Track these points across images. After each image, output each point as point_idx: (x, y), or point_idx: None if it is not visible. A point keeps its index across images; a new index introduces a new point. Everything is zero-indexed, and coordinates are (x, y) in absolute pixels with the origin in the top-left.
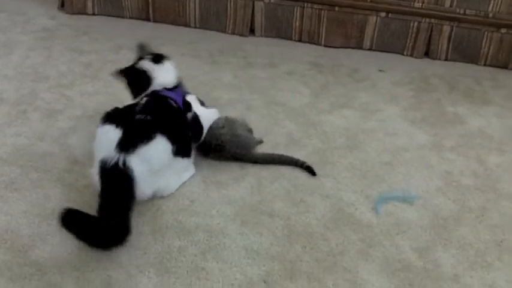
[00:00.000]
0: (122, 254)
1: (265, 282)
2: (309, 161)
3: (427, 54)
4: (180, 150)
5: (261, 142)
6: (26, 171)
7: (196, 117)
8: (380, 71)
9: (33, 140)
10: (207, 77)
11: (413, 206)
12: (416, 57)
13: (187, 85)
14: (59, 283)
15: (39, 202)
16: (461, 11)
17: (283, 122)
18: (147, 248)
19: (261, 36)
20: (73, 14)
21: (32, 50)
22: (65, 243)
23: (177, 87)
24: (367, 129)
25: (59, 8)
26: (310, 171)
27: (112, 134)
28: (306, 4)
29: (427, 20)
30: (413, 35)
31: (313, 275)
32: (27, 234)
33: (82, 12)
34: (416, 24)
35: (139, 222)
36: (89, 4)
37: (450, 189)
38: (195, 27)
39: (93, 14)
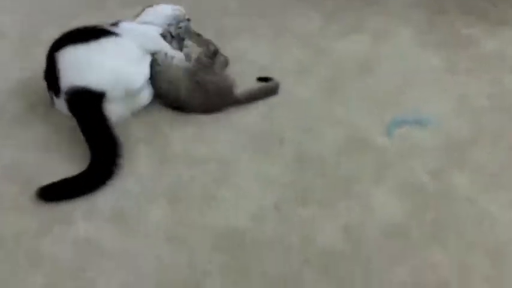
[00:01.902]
0: (133, 184)
1: (276, 209)
2: (320, 87)
3: None
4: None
5: (226, 64)
6: (33, 105)
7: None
8: None
9: (39, 73)
10: (212, 4)
11: (428, 129)
12: None
13: (193, 13)
14: (68, 214)
15: (46, 134)
16: None
17: (293, 48)
18: (158, 178)
19: None
20: None
21: None
22: (74, 173)
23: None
24: (379, 54)
25: None
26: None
27: None
28: None
29: None
30: None
31: (325, 201)
32: (34, 166)
33: None
34: None
35: (148, 151)
36: None
37: (465, 111)
38: None
39: None
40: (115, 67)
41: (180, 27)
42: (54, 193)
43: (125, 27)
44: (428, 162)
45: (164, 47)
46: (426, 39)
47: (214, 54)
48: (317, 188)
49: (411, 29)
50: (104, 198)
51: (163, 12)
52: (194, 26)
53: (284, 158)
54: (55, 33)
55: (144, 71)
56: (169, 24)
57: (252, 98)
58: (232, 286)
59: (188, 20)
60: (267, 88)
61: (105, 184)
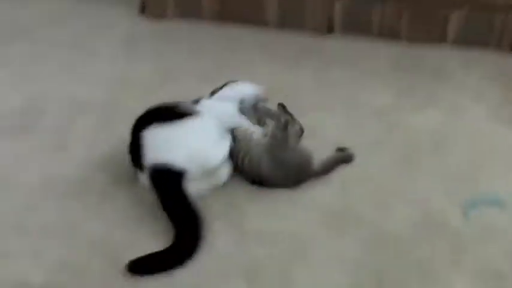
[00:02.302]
0: (209, 262)
1: None
2: (394, 163)
3: None
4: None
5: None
6: (117, 179)
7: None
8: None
9: (123, 146)
10: (286, 79)
11: (504, 210)
12: (502, 53)
13: (267, 89)
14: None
15: (131, 208)
16: None
17: (366, 123)
18: (234, 255)
19: (341, 34)
20: (153, 18)
21: (116, 56)
22: (158, 248)
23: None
24: (453, 130)
25: (140, 13)
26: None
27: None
28: (385, 0)
29: None
30: (499, 30)
31: (402, 284)
32: (120, 241)
33: (162, 16)
34: (501, 18)
35: (224, 227)
36: (169, 8)
37: None
38: (274, 27)
39: (173, 18)
40: (197, 147)
41: (257, 105)
42: (142, 267)
43: (205, 104)
44: (506, 245)
45: (244, 124)
46: (501, 115)
47: (285, 125)
48: (393, 270)
49: (485, 105)
50: (181, 274)
51: (245, 90)
52: (270, 101)
53: (359, 237)
54: (136, 106)
55: (224, 150)
56: (247, 103)
57: (329, 168)
58: None
59: (266, 99)
60: (341, 157)
61: (190, 259)
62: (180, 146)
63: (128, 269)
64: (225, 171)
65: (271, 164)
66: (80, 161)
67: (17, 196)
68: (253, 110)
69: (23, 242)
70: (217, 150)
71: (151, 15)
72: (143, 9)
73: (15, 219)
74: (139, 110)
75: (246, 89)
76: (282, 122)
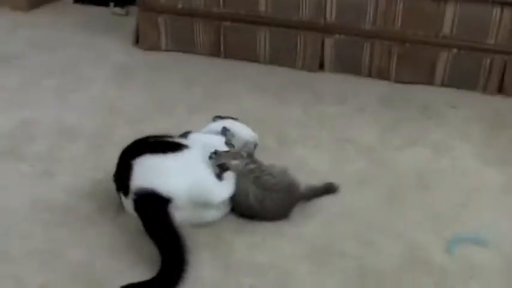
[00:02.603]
0: None
1: None
2: (380, 199)
3: (500, 90)
4: (167, 148)
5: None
6: (103, 207)
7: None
8: (452, 107)
9: (111, 174)
10: (276, 113)
11: (487, 248)
12: (489, 94)
13: (256, 121)
14: None
15: (116, 236)
16: None
17: (353, 159)
18: (219, 285)
19: (331, 71)
20: (147, 50)
21: (108, 85)
22: (141, 277)
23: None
24: (439, 168)
25: (134, 44)
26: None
27: None
28: (375, 40)
29: (501, 56)
30: (487, 72)
31: None
32: (103, 268)
33: (156, 48)
34: (489, 60)
35: (212, 257)
36: (163, 41)
37: None
38: (265, 63)
39: (167, 50)
40: (185, 177)
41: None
42: None
43: (193, 138)
44: (488, 284)
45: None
46: (487, 155)
47: (249, 155)
48: None
49: (471, 144)
50: None
51: (241, 134)
52: (259, 132)
53: (342, 272)
54: (126, 135)
55: (229, 189)
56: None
57: (315, 193)
58: None
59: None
60: (327, 186)
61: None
62: (169, 174)
63: None
64: (219, 212)
65: (260, 193)
66: (66, 187)
67: (2, 221)
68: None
69: (6, 266)
70: (223, 187)
71: (145, 46)
72: (137, 40)
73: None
74: (129, 139)
75: (243, 134)
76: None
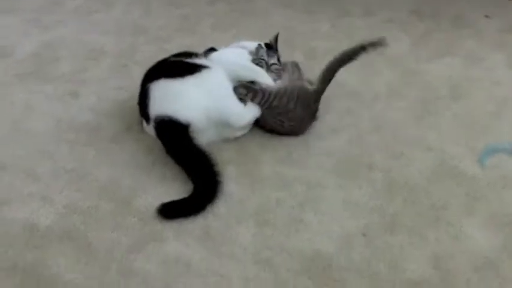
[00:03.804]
0: (221, 205)
1: (364, 236)
2: (411, 111)
3: None
4: (184, 71)
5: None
6: (128, 126)
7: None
8: (486, 16)
9: (135, 93)
10: (304, 27)
11: None
12: None
13: (284, 36)
14: (159, 232)
15: (141, 154)
16: None
17: (383, 71)
18: (246, 199)
19: None
20: None
21: (131, 5)
22: (166, 194)
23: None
24: (471, 78)
25: None
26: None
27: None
28: None
29: None
30: None
31: (414, 229)
32: (129, 185)
33: None
34: None
35: (238, 173)
36: None
37: None
38: None
39: None
40: (202, 101)
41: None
42: (171, 211)
43: (217, 58)
44: None
45: (259, 74)
46: None
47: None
48: (406, 215)
49: (504, 54)
50: (194, 218)
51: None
52: (287, 47)
53: (373, 184)
54: (150, 54)
55: (253, 113)
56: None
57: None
58: None
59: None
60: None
61: (212, 203)
62: (185, 99)
63: (158, 212)
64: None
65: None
66: (91, 107)
67: (28, 142)
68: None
69: (34, 186)
70: (245, 111)
71: None
72: None
73: (27, 164)
74: (153, 58)
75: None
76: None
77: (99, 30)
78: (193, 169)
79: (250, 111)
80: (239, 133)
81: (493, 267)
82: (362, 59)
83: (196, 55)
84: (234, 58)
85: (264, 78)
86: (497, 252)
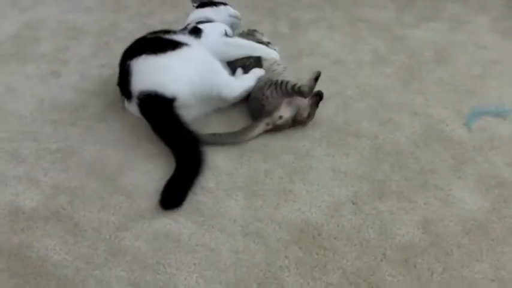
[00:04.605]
0: (210, 179)
1: (353, 203)
2: (397, 77)
3: None
4: (165, 47)
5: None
6: (112, 103)
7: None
8: None
9: (116, 72)
10: None
11: (507, 120)
12: None
13: (266, 7)
14: (148, 209)
15: (126, 132)
16: None
17: (368, 38)
18: (234, 172)
19: None
20: None
21: None
22: (153, 170)
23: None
24: (456, 42)
25: None
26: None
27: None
28: None
29: None
30: None
31: (403, 194)
32: (115, 163)
33: None
34: None
35: (225, 146)
36: None
37: None
38: None
39: None
40: (188, 75)
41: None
42: (173, 200)
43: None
44: (508, 154)
45: (265, 50)
46: (504, 27)
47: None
48: (394, 181)
49: (488, 17)
50: None
51: (226, 12)
52: (268, 18)
53: (360, 151)
54: (132, 30)
55: (246, 84)
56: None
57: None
58: (310, 281)
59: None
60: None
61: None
62: (168, 73)
63: (162, 208)
64: (231, 96)
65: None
66: (74, 86)
67: (12, 123)
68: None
69: (19, 168)
70: (236, 83)
71: None
72: None
73: (11, 146)
74: (135, 34)
75: (228, 11)
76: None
77: (80, 8)
78: (177, 144)
79: (242, 83)
80: (227, 103)
81: (482, 230)
82: (347, 27)
83: (174, 32)
84: (242, 41)
85: (270, 53)
86: (486, 214)
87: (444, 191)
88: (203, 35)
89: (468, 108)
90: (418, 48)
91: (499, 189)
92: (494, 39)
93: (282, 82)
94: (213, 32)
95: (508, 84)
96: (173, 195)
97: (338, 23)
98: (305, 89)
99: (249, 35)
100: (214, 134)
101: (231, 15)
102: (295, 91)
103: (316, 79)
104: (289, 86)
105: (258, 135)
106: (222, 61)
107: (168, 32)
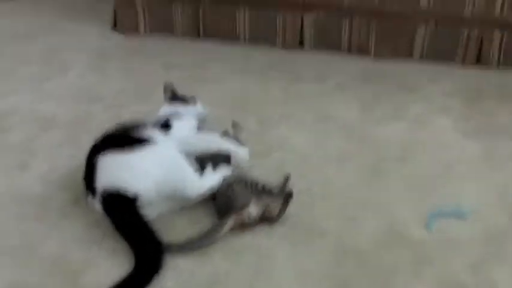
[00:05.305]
0: (169, 278)
1: None
2: (361, 175)
3: (478, 62)
4: (132, 143)
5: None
6: (78, 197)
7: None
8: (430, 81)
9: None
10: (257, 94)
11: (467, 221)
12: (467, 67)
13: (238, 102)
14: None
15: (91, 227)
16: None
17: (334, 136)
18: (195, 271)
19: (311, 49)
20: (125, 33)
21: (86, 71)
22: (116, 268)
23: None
24: (419, 142)
25: (112, 28)
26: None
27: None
28: (354, 16)
29: (478, 27)
30: (464, 45)
31: None
32: (78, 260)
33: (134, 31)
34: (466, 33)
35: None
36: (141, 23)
37: (505, 203)
38: (245, 42)
39: (145, 33)
40: (152, 173)
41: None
42: None
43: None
44: (468, 256)
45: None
46: (466, 128)
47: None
48: (356, 281)
49: (451, 117)
50: None
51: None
52: (238, 115)
53: (324, 250)
54: (104, 121)
55: (212, 182)
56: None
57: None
58: None
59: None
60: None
61: (151, 282)
62: (132, 171)
63: None
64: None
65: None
66: (41, 179)
67: None
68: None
69: None
70: (201, 181)
71: (123, 30)
72: (115, 24)
73: None
74: (107, 125)
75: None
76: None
77: (52, 97)
78: (135, 242)
79: (208, 182)
80: (192, 202)
81: None
82: (313, 125)
83: (144, 125)
84: (211, 138)
85: (239, 152)
86: None
87: None
88: (173, 129)
89: (429, 207)
90: (382, 147)
91: None
92: (455, 139)
93: (252, 181)
94: (183, 127)
95: (469, 185)
96: None
97: (305, 119)
98: (276, 191)
99: (233, 127)
100: (185, 243)
101: (200, 112)
102: (266, 192)
103: (286, 182)
104: (259, 186)
105: (225, 234)
106: (190, 155)
107: (136, 125)
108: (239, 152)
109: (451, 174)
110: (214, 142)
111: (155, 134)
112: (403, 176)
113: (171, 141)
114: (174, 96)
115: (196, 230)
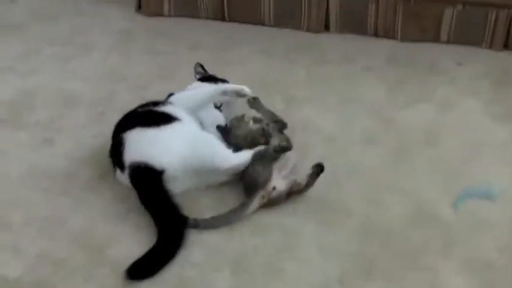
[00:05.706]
0: (197, 253)
1: (340, 282)
2: (386, 157)
3: (506, 46)
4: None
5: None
6: (103, 173)
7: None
8: (458, 64)
9: (109, 142)
10: (282, 75)
11: (495, 203)
12: (495, 50)
13: (263, 84)
14: (133, 283)
15: (116, 202)
16: None
17: (359, 118)
18: (222, 247)
19: (336, 32)
20: (150, 15)
21: (110, 52)
22: (141, 243)
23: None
24: (445, 125)
25: (136, 11)
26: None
27: None
28: None
29: (506, 10)
30: (492, 27)
31: (390, 274)
32: (103, 234)
33: (159, 14)
34: (494, 15)
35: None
36: (166, 6)
37: None
38: (270, 25)
39: (170, 16)
40: (178, 148)
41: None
42: (141, 272)
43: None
44: (497, 237)
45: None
46: (493, 110)
47: (282, 150)
48: (382, 260)
49: (477, 100)
50: (170, 267)
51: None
52: (264, 95)
53: (349, 229)
54: (128, 101)
55: (241, 159)
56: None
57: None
58: None
59: None
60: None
61: (174, 256)
62: (159, 146)
63: (127, 277)
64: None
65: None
66: (67, 155)
67: (1, 190)
68: (249, 103)
69: (5, 235)
70: (231, 155)
71: (147, 12)
72: (139, 7)
73: None
74: (131, 105)
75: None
76: (281, 146)
77: (77, 77)
78: (159, 215)
79: (237, 157)
80: (218, 180)
81: None
82: (339, 106)
83: (163, 103)
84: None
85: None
86: None
87: (432, 273)
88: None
89: (456, 189)
90: (409, 129)
91: (487, 272)
92: (483, 122)
93: (265, 150)
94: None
95: (497, 167)
96: (143, 267)
97: (330, 102)
98: (285, 144)
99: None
100: (212, 219)
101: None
102: (278, 151)
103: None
104: (270, 150)
105: (254, 211)
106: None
107: (156, 103)
108: (239, 86)
109: (479, 157)
110: (211, 88)
111: (179, 112)
112: (429, 158)
113: (191, 118)
114: (205, 77)
115: (222, 209)
